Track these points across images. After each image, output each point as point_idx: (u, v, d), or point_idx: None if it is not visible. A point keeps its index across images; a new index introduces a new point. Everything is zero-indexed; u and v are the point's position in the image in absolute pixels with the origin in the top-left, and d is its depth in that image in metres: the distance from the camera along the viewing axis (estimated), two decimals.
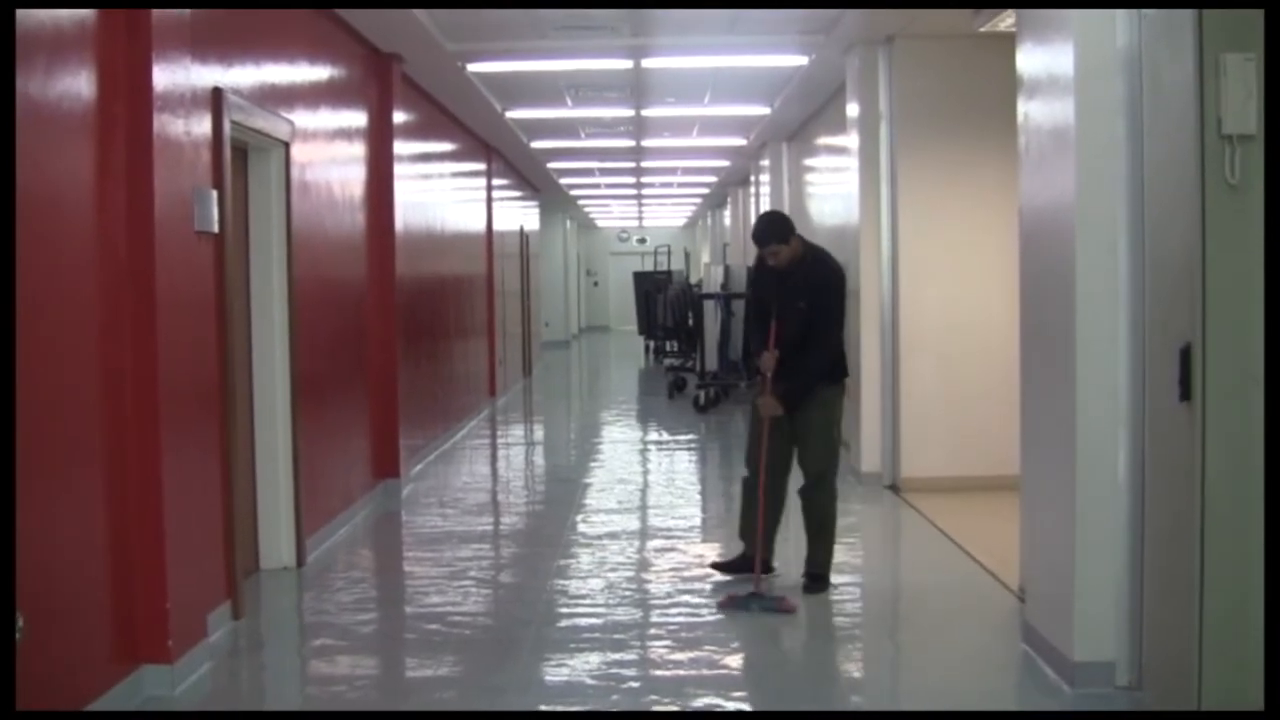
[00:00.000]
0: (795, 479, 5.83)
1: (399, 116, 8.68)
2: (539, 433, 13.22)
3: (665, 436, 12.29)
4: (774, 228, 5.56)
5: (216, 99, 5.27)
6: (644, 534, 7.34)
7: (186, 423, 4.76)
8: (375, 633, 5.45)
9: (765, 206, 14.66)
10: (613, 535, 7.20)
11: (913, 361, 8.19)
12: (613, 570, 6.27)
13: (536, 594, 5.82)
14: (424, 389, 9.98)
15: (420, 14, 7.51)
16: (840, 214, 9.66)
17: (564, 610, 5.55)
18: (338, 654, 5.07)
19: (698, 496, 9.06)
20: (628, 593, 5.79)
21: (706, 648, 4.95)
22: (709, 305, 15.91)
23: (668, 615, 5.39)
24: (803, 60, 9.13)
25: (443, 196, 11.31)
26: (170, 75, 4.58)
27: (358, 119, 8.02)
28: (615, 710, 4.34)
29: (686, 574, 6.13)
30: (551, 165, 16.74)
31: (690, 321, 16.44)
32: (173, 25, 4.62)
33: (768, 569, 5.79)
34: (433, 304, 10.63)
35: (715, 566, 6.03)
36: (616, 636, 5.14)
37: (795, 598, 5.54)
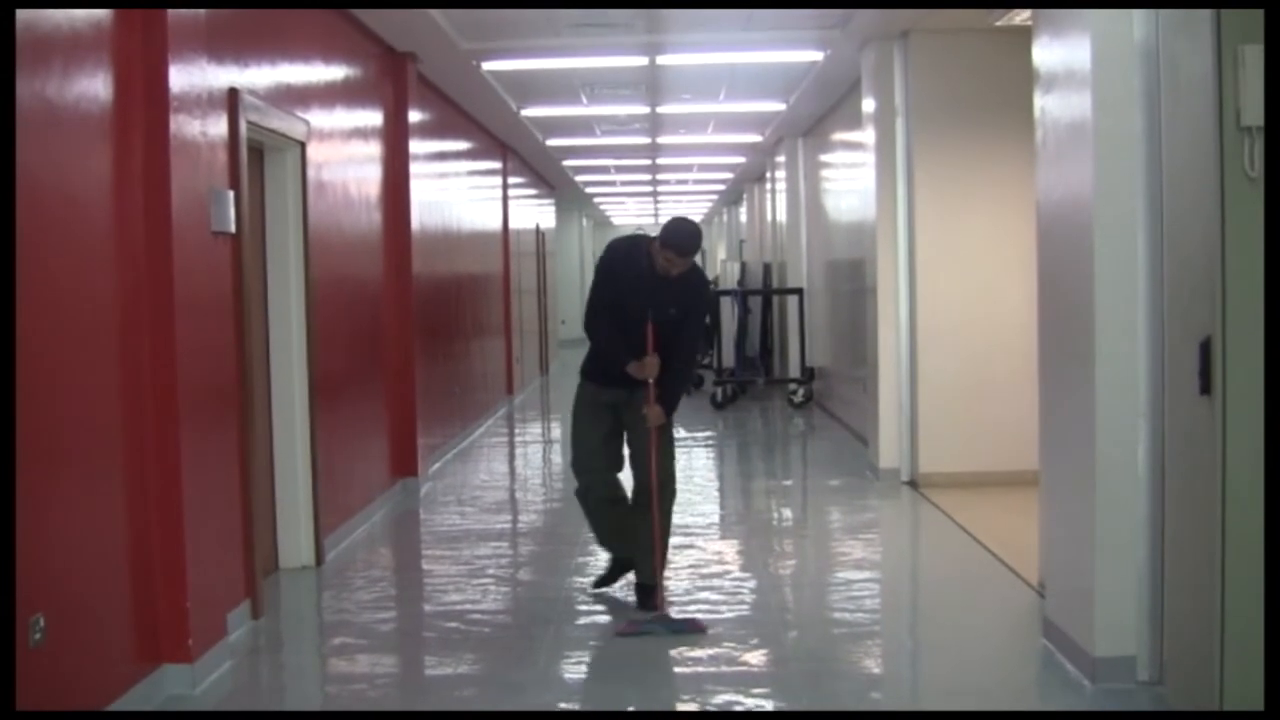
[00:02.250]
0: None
1: (414, 115, 8.69)
2: (556, 430, 13.22)
3: (682, 434, 12.26)
4: (699, 239, 5.20)
5: (232, 99, 5.29)
6: None
7: (205, 422, 4.78)
8: (395, 631, 5.46)
9: (782, 203, 14.64)
10: None
11: (930, 356, 8.17)
12: None
13: (555, 591, 5.83)
14: (441, 387, 10.00)
15: (435, 13, 7.52)
16: (857, 209, 9.65)
17: (583, 608, 5.55)
18: (357, 652, 5.08)
19: (716, 494, 9.06)
20: None
21: (726, 644, 4.94)
22: (725, 302, 15.90)
23: (686, 612, 5.38)
24: (818, 56, 9.11)
25: (458, 195, 11.32)
26: (186, 76, 4.60)
27: (373, 118, 8.04)
28: (623, 711, 4.35)
29: (705, 570, 6.14)
30: (567, 163, 16.75)
31: (707, 319, 16.41)
32: (189, 26, 4.64)
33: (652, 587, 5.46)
34: (449, 302, 10.65)
35: (599, 584, 5.76)
36: None
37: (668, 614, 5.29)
